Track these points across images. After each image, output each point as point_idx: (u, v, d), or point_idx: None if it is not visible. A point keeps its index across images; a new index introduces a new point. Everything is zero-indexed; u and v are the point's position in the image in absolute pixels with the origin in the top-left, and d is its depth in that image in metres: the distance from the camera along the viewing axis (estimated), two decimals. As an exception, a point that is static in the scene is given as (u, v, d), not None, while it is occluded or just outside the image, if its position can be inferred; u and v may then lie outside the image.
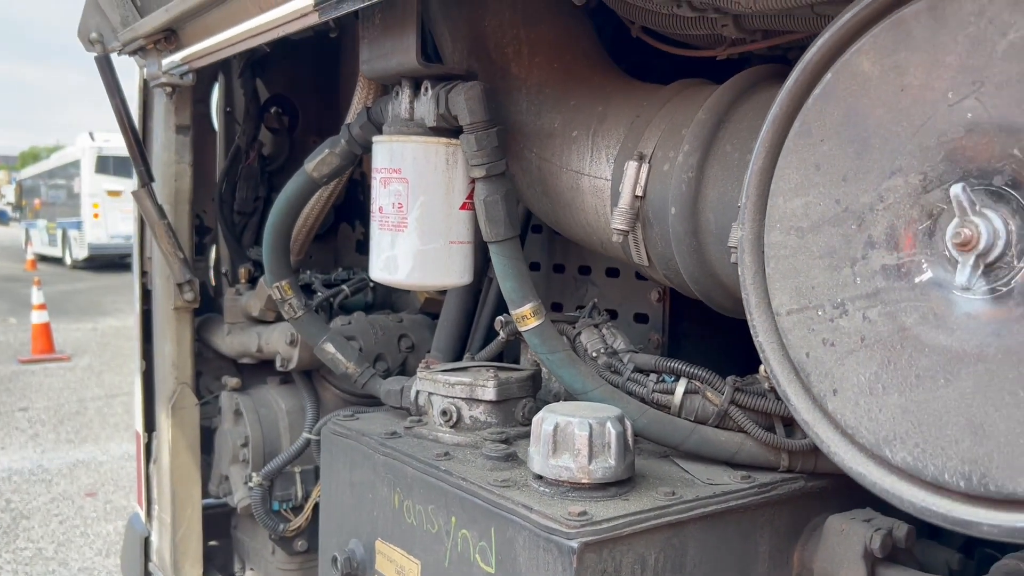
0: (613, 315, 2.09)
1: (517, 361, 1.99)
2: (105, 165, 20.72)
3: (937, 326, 0.88)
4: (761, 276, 1.06)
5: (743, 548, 1.49)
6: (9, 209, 47.27)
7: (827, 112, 0.98)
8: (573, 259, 2.24)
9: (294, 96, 2.86)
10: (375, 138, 1.64)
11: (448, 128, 1.57)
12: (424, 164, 1.57)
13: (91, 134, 21.16)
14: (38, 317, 10.72)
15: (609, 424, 1.40)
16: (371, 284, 2.54)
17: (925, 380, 0.89)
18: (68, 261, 22.72)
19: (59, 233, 23.36)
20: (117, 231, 20.70)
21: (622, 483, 1.43)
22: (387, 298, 2.62)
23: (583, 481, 1.39)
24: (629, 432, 1.43)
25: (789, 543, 1.57)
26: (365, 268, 2.76)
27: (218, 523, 2.72)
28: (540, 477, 1.44)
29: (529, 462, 1.45)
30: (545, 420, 1.42)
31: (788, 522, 1.56)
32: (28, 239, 27.19)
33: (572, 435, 1.39)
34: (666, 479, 1.51)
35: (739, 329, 2.14)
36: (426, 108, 1.58)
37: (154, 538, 2.66)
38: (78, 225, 21.36)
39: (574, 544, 1.26)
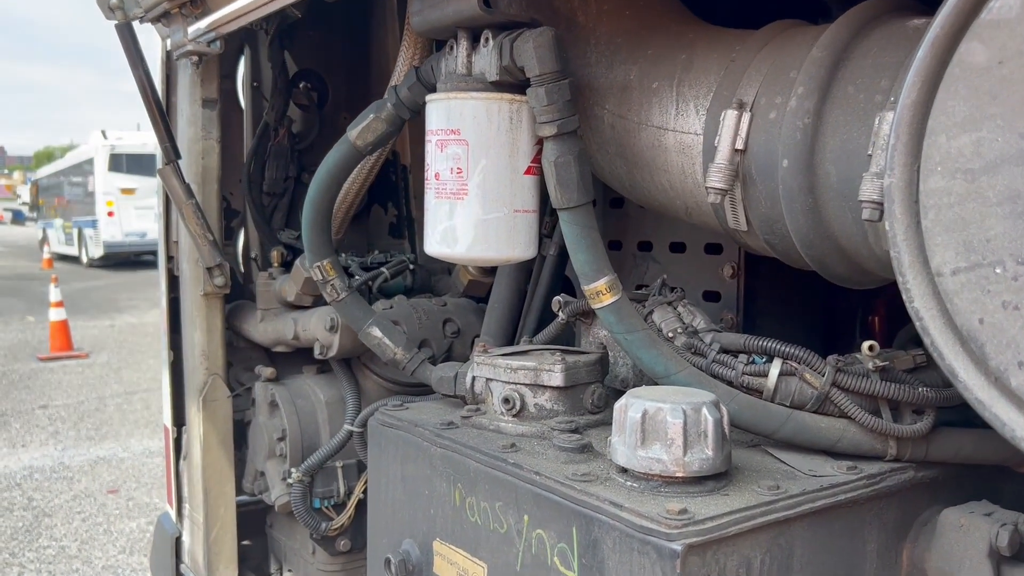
0: (680, 294, 1.93)
1: (569, 345, 1.83)
2: (118, 163, 20.69)
3: None
4: (916, 230, 0.89)
5: (850, 546, 1.35)
6: (25, 209, 47.48)
7: (1007, 28, 0.81)
8: (632, 234, 2.08)
9: (324, 71, 2.71)
10: (430, 96, 1.48)
11: (512, 82, 1.41)
12: (486, 123, 1.41)
13: (103, 132, 21.12)
14: (56, 315, 10.69)
15: (705, 410, 1.25)
16: (411, 267, 2.39)
17: None
18: (84, 260, 22.74)
19: (75, 232, 23.38)
20: (132, 229, 20.68)
21: (719, 476, 1.28)
22: (427, 281, 2.47)
23: (677, 475, 1.24)
24: (726, 419, 1.27)
25: (898, 540, 1.43)
26: (401, 251, 2.62)
27: (252, 521, 2.59)
28: (625, 470, 1.29)
29: (612, 453, 1.30)
30: (631, 406, 1.27)
31: (897, 516, 1.42)
32: (45, 238, 27.25)
33: (664, 423, 1.24)
34: (763, 471, 1.37)
35: (823, 305, 1.99)
36: (487, 61, 1.42)
37: (186, 538, 2.52)
38: (93, 224, 21.35)
39: (677, 547, 1.11)
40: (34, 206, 33.70)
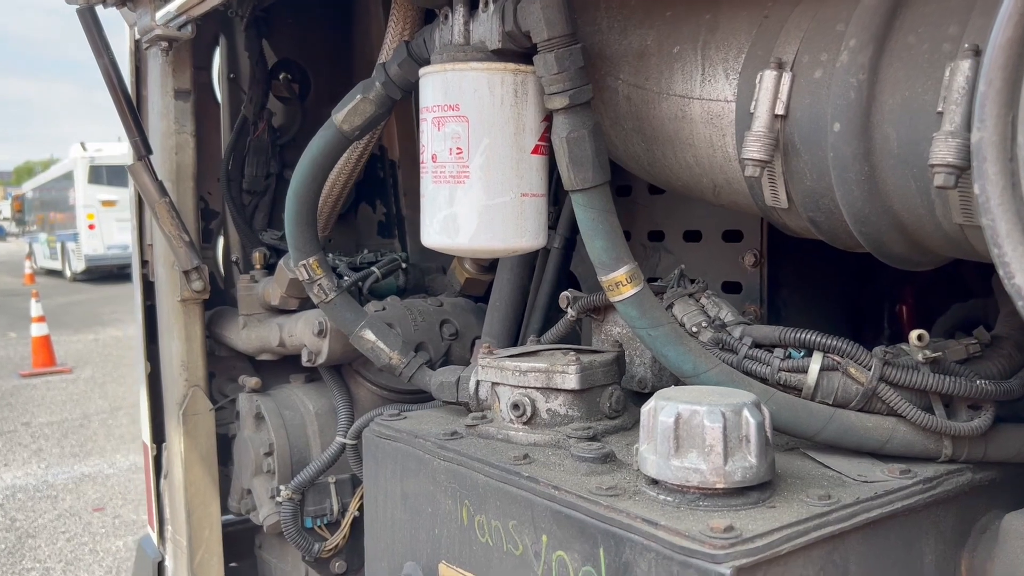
0: (698, 285, 1.79)
1: (575, 345, 1.68)
2: (98, 175, 20.40)
3: None
4: (1014, 193, 0.75)
5: (907, 558, 1.22)
6: (6, 225, 46.97)
7: None
8: (641, 223, 1.93)
9: (304, 61, 2.55)
10: (424, 69, 1.33)
11: (516, 51, 1.27)
12: (488, 97, 1.26)
13: (83, 144, 20.82)
14: (37, 330, 10.46)
15: (746, 412, 1.11)
16: (403, 266, 2.24)
17: None
18: (68, 274, 22.43)
19: (59, 246, 23.08)
20: (114, 241, 20.38)
21: (763, 487, 1.14)
22: (421, 281, 2.32)
23: (717, 486, 1.10)
24: (768, 422, 1.13)
25: (956, 549, 1.29)
26: (392, 250, 2.47)
27: (240, 541, 2.44)
28: (656, 482, 1.15)
29: (641, 463, 1.16)
30: (662, 410, 1.13)
31: (954, 524, 1.29)
32: (31, 253, 26.91)
33: (700, 427, 1.10)
34: (809, 478, 1.23)
35: (850, 292, 1.85)
36: (487, 27, 1.27)
37: (168, 563, 2.36)
38: (75, 237, 21.05)
39: (725, 570, 0.98)
40: (20, 221, 33.33)
